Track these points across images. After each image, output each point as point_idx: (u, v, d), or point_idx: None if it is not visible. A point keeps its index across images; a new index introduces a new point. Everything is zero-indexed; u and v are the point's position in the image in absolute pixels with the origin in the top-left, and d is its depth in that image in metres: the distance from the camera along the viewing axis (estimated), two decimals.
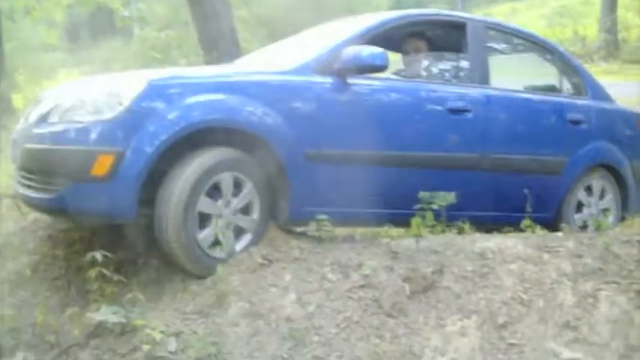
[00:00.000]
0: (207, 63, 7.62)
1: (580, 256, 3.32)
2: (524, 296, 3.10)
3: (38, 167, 3.43)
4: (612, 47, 17.85)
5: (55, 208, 3.43)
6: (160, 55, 12.32)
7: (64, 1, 13.43)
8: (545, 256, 3.35)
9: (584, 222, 4.76)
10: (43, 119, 3.46)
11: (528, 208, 4.04)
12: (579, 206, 4.77)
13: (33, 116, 3.57)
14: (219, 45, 7.91)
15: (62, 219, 3.75)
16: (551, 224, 4.40)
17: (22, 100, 11.10)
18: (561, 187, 4.63)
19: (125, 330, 3.15)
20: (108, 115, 3.24)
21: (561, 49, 5.35)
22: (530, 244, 3.45)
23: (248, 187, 3.49)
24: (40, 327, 3.38)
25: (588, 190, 4.80)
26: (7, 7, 12.63)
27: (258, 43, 11.25)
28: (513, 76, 5.23)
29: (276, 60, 4.11)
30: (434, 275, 3.25)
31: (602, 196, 4.86)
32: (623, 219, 4.79)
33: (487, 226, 4.21)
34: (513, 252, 3.36)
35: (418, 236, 3.53)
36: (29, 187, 3.50)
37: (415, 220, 3.53)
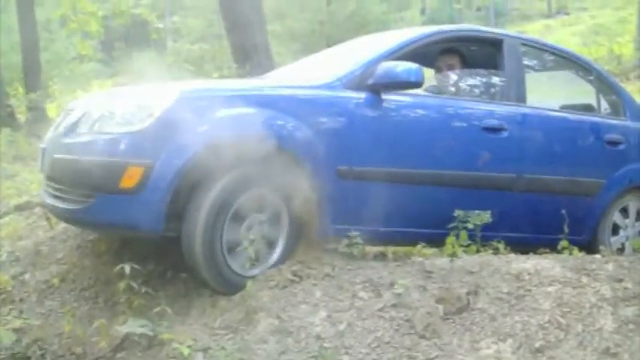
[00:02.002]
0: (240, 76, 7.64)
1: (620, 280, 3.21)
2: (562, 320, 3.00)
3: (66, 178, 3.41)
4: None
5: (82, 220, 3.42)
6: (193, 68, 12.39)
7: (99, 13, 13.60)
8: (584, 279, 3.24)
9: (622, 244, 4.65)
10: (72, 129, 3.46)
11: (565, 230, 3.93)
12: (615, 228, 4.67)
13: (62, 126, 3.56)
14: (252, 58, 7.93)
15: (89, 230, 3.74)
16: (587, 247, 4.31)
17: (55, 110, 11.23)
18: (597, 209, 4.53)
19: (152, 344, 3.12)
20: (138, 126, 3.21)
21: (598, 67, 5.26)
22: (568, 266, 3.35)
23: (277, 204, 3.44)
24: (66, 338, 3.36)
25: (624, 211, 4.70)
26: (43, 18, 12.83)
27: (292, 56, 11.25)
28: (550, 94, 5.15)
29: (309, 74, 4.08)
30: (468, 296, 3.16)
31: (638, 218, 4.75)
32: None
33: (522, 247, 4.12)
34: (551, 274, 3.27)
35: (452, 256, 3.45)
36: (57, 197, 3.50)
37: (450, 239, 3.46)
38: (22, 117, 11.98)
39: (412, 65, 3.69)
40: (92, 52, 13.74)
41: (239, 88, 3.58)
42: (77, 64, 14.50)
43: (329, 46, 4.98)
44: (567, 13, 30.65)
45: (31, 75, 11.68)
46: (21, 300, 3.75)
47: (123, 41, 21.05)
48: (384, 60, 3.80)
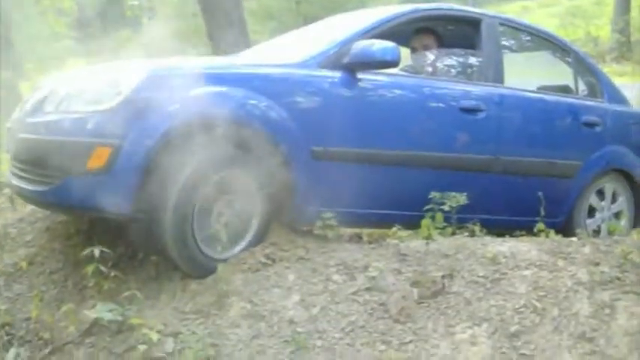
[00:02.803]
0: (215, 54, 7.50)
1: (597, 264, 3.18)
2: (538, 304, 2.97)
3: (32, 158, 3.30)
4: (625, 49, 17.67)
5: (49, 202, 3.31)
6: (168, 46, 12.16)
7: None
8: (561, 263, 3.21)
9: (598, 227, 4.65)
10: (38, 108, 3.35)
11: (542, 212, 3.90)
12: (591, 211, 4.66)
13: (28, 105, 3.45)
14: (227, 36, 7.78)
15: (57, 213, 3.64)
16: (562, 229, 4.29)
17: (30, 89, 10.96)
18: (574, 191, 4.52)
19: (122, 329, 3.05)
20: (105, 105, 3.11)
21: (576, 48, 5.22)
22: (544, 249, 3.31)
23: (250, 186, 3.36)
24: (34, 322, 3.28)
25: (599, 193, 4.69)
26: None
27: (268, 35, 11.11)
28: (527, 75, 5.11)
29: (283, 53, 3.99)
30: (443, 280, 3.12)
31: (613, 200, 4.74)
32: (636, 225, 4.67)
33: (498, 229, 4.09)
34: (527, 257, 3.23)
35: (428, 238, 3.41)
36: (23, 178, 3.39)
37: (425, 222, 3.42)
38: None
39: (388, 44, 3.61)
40: (66, 30, 13.50)
41: (211, 66, 3.48)
42: (51, 43, 14.23)
43: (306, 24, 4.86)
44: None
45: (3, 53, 11.41)
46: None
47: (99, 19, 20.68)
48: (359, 38, 3.72)
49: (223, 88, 3.30)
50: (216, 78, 3.34)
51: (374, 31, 3.85)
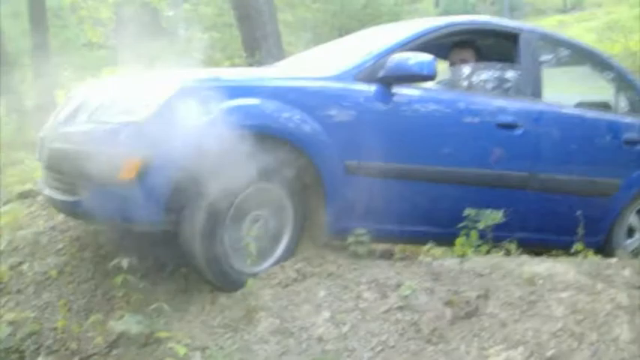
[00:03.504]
0: (249, 65, 7.51)
1: (638, 287, 3.07)
2: (576, 328, 2.87)
3: (63, 168, 3.30)
4: None
5: (78, 212, 3.30)
6: (204, 57, 12.25)
7: (109, 0, 13.49)
8: (600, 285, 3.10)
9: (637, 247, 4.52)
10: (70, 118, 3.34)
11: (580, 231, 3.79)
12: (630, 231, 4.53)
13: (61, 114, 3.45)
14: (262, 47, 7.79)
15: (86, 223, 3.63)
16: (600, 249, 4.18)
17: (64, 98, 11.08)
18: (613, 210, 4.40)
19: (149, 341, 3.01)
20: (137, 116, 3.08)
21: (617, 63, 5.09)
22: (582, 271, 3.21)
23: (282, 200, 3.33)
24: (61, 332, 3.26)
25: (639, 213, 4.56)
26: (54, 4, 12.74)
27: (303, 46, 11.10)
28: (565, 90, 5.00)
29: (318, 65, 3.95)
30: (478, 300, 3.03)
31: None
32: None
33: (534, 248, 3.99)
34: (564, 279, 3.13)
35: (462, 257, 3.33)
36: (54, 187, 3.39)
37: (459, 240, 3.33)
38: (30, 103, 11.90)
39: (425, 57, 3.55)
40: (102, 39, 13.67)
41: (244, 79, 3.45)
42: (87, 51, 14.42)
43: (341, 36, 4.82)
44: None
45: (41, 61, 11.58)
46: (18, 291, 3.65)
47: (136, 29, 20.92)
48: (395, 52, 3.66)
49: (256, 101, 3.26)
50: (249, 90, 3.30)
51: (410, 44, 3.79)
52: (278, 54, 7.56)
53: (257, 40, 7.88)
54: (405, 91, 3.67)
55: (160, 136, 3.06)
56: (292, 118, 3.31)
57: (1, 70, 10.62)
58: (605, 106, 4.76)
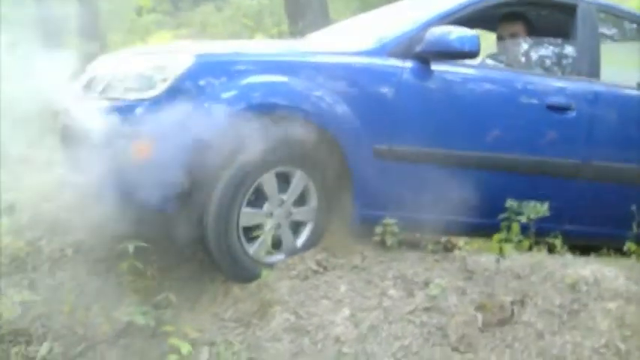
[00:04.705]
0: (292, 34, 7.22)
1: None
2: (622, 345, 2.55)
3: (73, 146, 3.11)
4: None
5: (90, 193, 3.12)
6: (252, 22, 12.00)
7: None
8: None
9: None
10: (83, 93, 3.15)
11: (635, 229, 3.43)
12: None
13: (76, 89, 3.26)
14: (306, 15, 7.46)
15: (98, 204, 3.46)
16: None
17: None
18: None
19: (156, 333, 2.85)
20: (150, 93, 2.87)
21: None
22: (634, 277, 2.87)
23: (305, 185, 3.10)
24: (69, 317, 3.11)
25: None
26: None
27: (351, 14, 10.73)
28: (626, 68, 4.57)
29: (351, 38, 3.64)
30: (513, 306, 2.74)
31: None
32: None
33: (581, 241, 3.66)
34: (612, 286, 2.80)
35: (500, 253, 3.03)
36: (68, 165, 3.22)
37: (497, 237, 3.02)
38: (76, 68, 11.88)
39: (468, 32, 3.23)
40: (150, 4, 13.57)
41: (267, 53, 3.18)
42: (136, 16, 14.32)
43: (390, 4, 4.49)
44: None
45: (88, 25, 11.51)
46: (33, 268, 3.52)
47: None
48: (435, 24, 3.34)
49: (278, 78, 3.01)
50: (272, 66, 3.05)
51: (453, 16, 3.46)
52: (323, 22, 7.22)
53: (300, 5, 7.54)
54: (444, 69, 3.35)
55: (171, 114, 2.85)
56: (316, 96, 3.05)
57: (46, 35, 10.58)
58: None
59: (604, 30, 4.19)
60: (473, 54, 3.26)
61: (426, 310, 2.79)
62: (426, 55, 3.28)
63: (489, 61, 3.94)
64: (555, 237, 3.37)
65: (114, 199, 3.00)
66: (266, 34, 10.35)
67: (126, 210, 3.43)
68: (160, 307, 2.89)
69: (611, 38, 4.41)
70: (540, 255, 3.11)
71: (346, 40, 3.60)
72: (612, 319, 2.64)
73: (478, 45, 3.23)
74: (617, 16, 4.23)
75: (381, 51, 3.26)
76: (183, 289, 3.06)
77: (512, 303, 2.75)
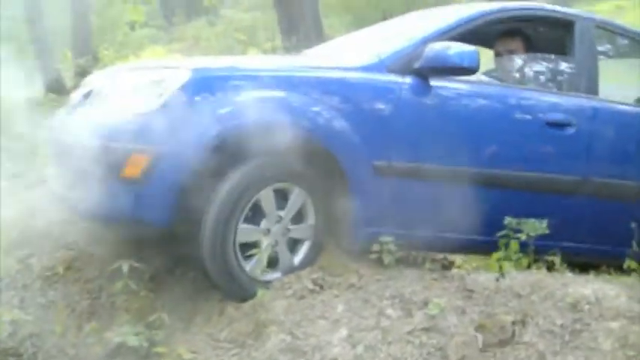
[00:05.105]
0: (286, 49, 7.19)
1: None
2: None
3: (67, 162, 3.06)
4: None
5: (80, 210, 3.06)
6: (245, 37, 12.00)
7: None
8: None
9: None
10: (78, 107, 3.10)
11: (635, 247, 3.39)
12: None
13: (70, 103, 3.21)
14: (299, 29, 7.43)
15: (89, 221, 3.39)
16: None
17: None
18: None
19: (149, 354, 2.78)
20: (145, 108, 2.83)
21: None
22: (636, 296, 2.82)
23: (302, 202, 3.05)
24: (60, 337, 3.04)
25: None
26: None
27: (345, 30, 10.73)
28: (625, 85, 4.55)
29: (349, 53, 3.61)
30: (514, 326, 2.68)
31: None
32: None
33: (581, 258, 3.62)
34: (614, 305, 2.74)
35: (499, 271, 2.98)
36: (59, 181, 3.16)
37: (496, 255, 2.98)
38: (70, 82, 11.83)
39: (467, 48, 3.20)
40: (143, 18, 13.52)
41: (264, 68, 3.14)
42: (128, 30, 14.31)
43: (385, 20, 4.47)
44: None
45: (81, 40, 11.48)
46: (24, 286, 3.45)
47: (184, 7, 20.87)
48: (434, 40, 3.31)
49: (276, 93, 2.97)
50: (269, 81, 3.01)
51: (452, 32, 3.43)
52: (317, 37, 7.20)
53: (294, 20, 7.51)
54: (443, 85, 3.32)
55: (167, 130, 2.81)
56: (314, 111, 3.01)
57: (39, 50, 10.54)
58: None
59: (602, 46, 4.18)
60: (472, 70, 3.24)
61: (425, 330, 2.73)
62: (425, 70, 3.25)
63: (487, 78, 3.91)
64: (554, 254, 3.33)
65: (107, 215, 2.95)
66: (259, 49, 10.34)
67: (119, 227, 3.39)
68: (153, 327, 2.82)
69: (609, 54, 4.40)
70: (540, 273, 3.06)
71: (344, 56, 3.57)
72: (615, 339, 2.58)
73: (477, 60, 3.20)
74: (614, 32, 4.22)
75: (380, 66, 3.23)
76: (176, 308, 3.00)
77: (513, 323, 2.69)
